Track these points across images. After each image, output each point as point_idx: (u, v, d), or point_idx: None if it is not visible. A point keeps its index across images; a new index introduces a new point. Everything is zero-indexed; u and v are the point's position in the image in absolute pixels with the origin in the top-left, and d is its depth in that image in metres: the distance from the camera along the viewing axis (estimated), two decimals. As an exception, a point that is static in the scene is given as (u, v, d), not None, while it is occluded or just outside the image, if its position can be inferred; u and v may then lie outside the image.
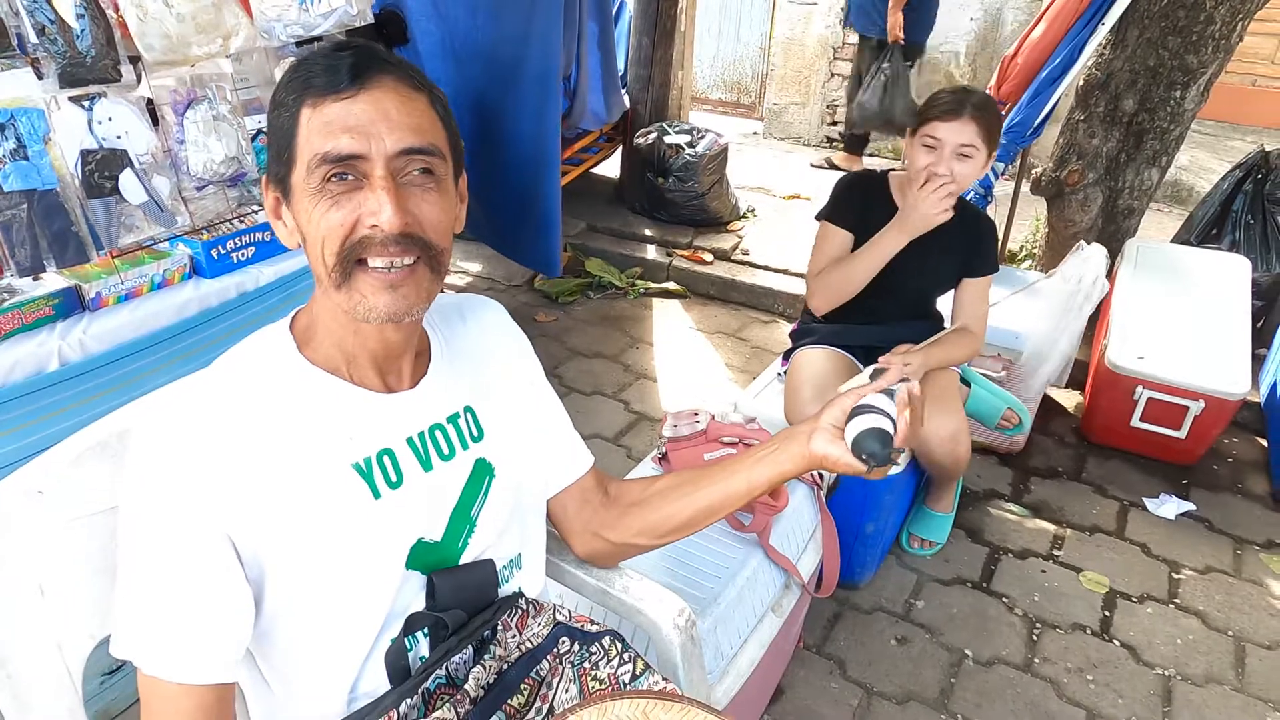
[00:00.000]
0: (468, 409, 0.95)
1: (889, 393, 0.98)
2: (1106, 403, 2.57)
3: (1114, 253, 2.89)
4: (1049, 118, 2.83)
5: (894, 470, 1.92)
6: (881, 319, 2.03)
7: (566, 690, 0.93)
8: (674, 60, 4.27)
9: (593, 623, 1.02)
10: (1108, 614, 2.07)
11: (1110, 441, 2.67)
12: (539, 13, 2.69)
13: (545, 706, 0.92)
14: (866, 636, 1.98)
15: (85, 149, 1.44)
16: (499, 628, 0.94)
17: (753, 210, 4.35)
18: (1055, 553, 2.26)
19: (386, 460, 0.86)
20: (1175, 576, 2.19)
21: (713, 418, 1.59)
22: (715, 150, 3.98)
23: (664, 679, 0.98)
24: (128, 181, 1.51)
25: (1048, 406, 2.82)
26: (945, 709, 1.80)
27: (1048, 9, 2.75)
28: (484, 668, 0.90)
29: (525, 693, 0.92)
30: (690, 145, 3.97)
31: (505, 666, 0.93)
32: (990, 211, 2.44)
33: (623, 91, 4.20)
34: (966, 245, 1.98)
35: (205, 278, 1.67)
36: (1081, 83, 3.00)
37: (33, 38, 1.34)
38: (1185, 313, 2.59)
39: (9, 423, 1.35)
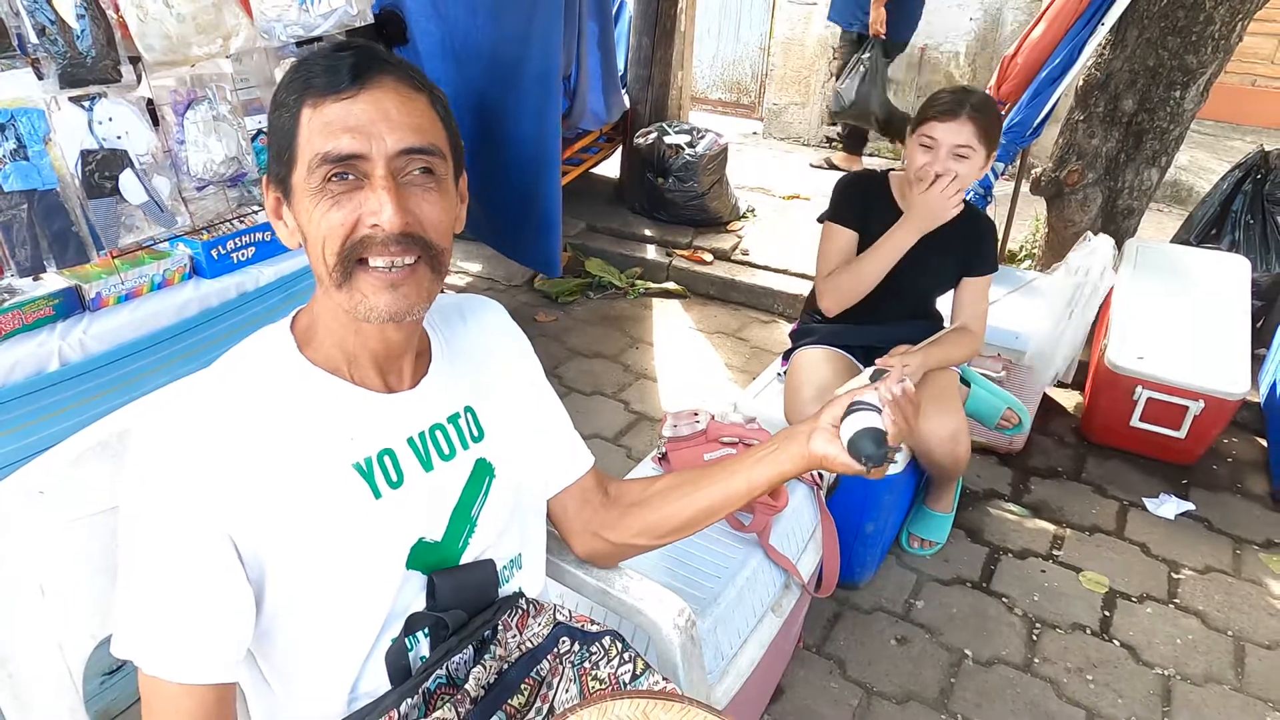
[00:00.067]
0: (468, 409, 0.95)
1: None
2: (1106, 403, 2.58)
3: (1114, 253, 2.89)
4: (1049, 118, 2.83)
5: (893, 469, 1.92)
6: (884, 318, 2.04)
7: (567, 690, 0.93)
8: (674, 60, 4.27)
9: (593, 623, 1.02)
10: (1107, 614, 2.07)
11: (1110, 441, 2.67)
12: (539, 13, 2.69)
13: (545, 706, 0.92)
14: (866, 636, 1.98)
15: (85, 149, 1.45)
16: (499, 628, 0.94)
17: (752, 210, 4.35)
18: (1055, 553, 2.26)
19: (387, 460, 0.86)
20: (1175, 576, 2.19)
21: (713, 418, 1.59)
22: (715, 150, 3.98)
23: (664, 679, 0.98)
24: (128, 182, 1.51)
25: (1047, 406, 2.82)
26: (945, 709, 1.80)
27: (1047, 9, 2.75)
28: (484, 668, 0.91)
29: (525, 693, 0.92)
30: (690, 145, 3.97)
31: (505, 666, 0.93)
32: (990, 211, 2.44)
33: (622, 91, 4.20)
34: (966, 245, 1.98)
35: (205, 278, 1.67)
36: (1081, 83, 3.00)
37: (33, 38, 1.34)
38: (1185, 313, 2.59)
39: (9, 423, 1.35)
